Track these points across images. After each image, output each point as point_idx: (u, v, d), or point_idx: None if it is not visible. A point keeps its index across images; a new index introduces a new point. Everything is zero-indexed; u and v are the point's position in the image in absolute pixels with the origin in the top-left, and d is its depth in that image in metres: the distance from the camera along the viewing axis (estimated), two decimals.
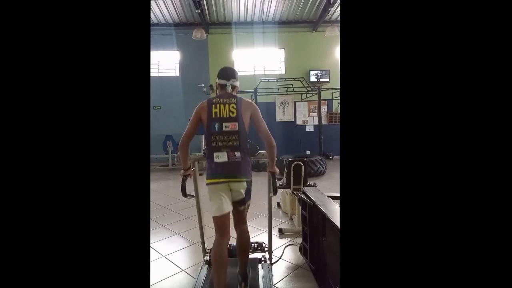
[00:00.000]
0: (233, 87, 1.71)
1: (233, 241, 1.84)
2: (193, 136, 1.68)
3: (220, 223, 1.60)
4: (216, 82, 1.73)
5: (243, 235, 1.72)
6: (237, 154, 1.58)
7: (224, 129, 1.58)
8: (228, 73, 1.72)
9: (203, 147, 1.67)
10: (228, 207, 1.62)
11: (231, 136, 1.58)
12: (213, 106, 1.61)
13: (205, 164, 1.69)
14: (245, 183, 1.62)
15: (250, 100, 1.70)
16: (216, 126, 1.58)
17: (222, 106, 1.61)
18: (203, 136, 1.69)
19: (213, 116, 1.60)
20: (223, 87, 1.69)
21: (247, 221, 1.77)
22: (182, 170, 1.78)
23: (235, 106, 1.61)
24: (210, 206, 1.62)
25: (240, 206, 1.67)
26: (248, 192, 1.67)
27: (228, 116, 1.60)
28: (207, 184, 1.61)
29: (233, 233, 1.72)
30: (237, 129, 1.59)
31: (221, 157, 1.57)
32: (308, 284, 1.93)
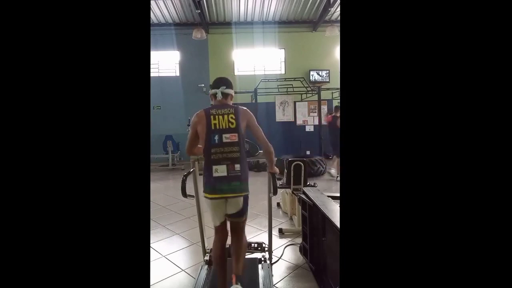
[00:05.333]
0: (225, 94, 1.68)
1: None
2: (197, 144, 1.67)
3: (220, 228, 1.69)
4: (210, 94, 1.73)
5: (239, 240, 1.69)
6: (237, 167, 1.55)
7: (224, 140, 1.55)
8: (218, 82, 1.71)
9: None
10: (223, 219, 1.67)
11: (231, 148, 1.55)
12: (212, 117, 1.58)
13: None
14: (242, 198, 1.59)
15: (245, 108, 1.68)
16: (216, 138, 1.55)
17: (220, 117, 1.58)
18: None
19: (213, 127, 1.56)
20: (214, 96, 1.69)
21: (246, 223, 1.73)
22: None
23: (233, 116, 1.59)
24: (209, 215, 1.68)
25: (236, 218, 1.64)
26: (245, 206, 1.63)
27: (228, 127, 1.57)
28: (205, 197, 1.59)
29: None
30: (237, 140, 1.57)
31: (220, 171, 1.53)
32: (308, 284, 1.93)
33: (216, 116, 1.58)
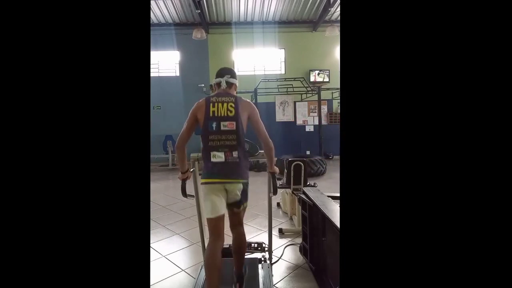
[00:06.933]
0: (229, 84, 1.68)
1: (229, 240, 1.79)
2: (190, 137, 1.64)
3: (215, 224, 1.56)
4: (214, 83, 1.72)
5: (240, 237, 1.71)
6: (235, 154, 1.56)
7: (222, 128, 1.55)
8: (222, 71, 1.70)
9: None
10: (223, 209, 1.59)
11: (229, 136, 1.55)
12: (211, 104, 1.58)
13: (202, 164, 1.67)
14: (241, 185, 1.59)
15: (249, 101, 1.67)
16: (214, 125, 1.55)
17: (220, 104, 1.58)
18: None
19: (211, 114, 1.56)
20: (218, 85, 1.68)
21: (244, 222, 1.75)
22: (180, 173, 1.73)
23: (233, 105, 1.58)
24: (204, 206, 1.63)
25: (236, 208, 1.64)
26: (244, 193, 1.63)
27: (226, 115, 1.56)
28: (202, 183, 1.59)
29: (229, 233, 1.72)
30: (234, 128, 1.56)
31: (218, 156, 1.55)
32: (308, 284, 1.93)
33: (216, 104, 1.58)
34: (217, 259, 1.51)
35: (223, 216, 1.59)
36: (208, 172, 1.57)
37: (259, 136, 1.67)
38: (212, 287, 1.44)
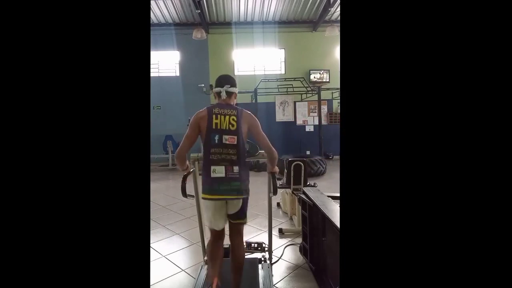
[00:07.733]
0: (229, 93, 1.64)
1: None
2: (191, 147, 1.61)
3: (216, 234, 1.66)
4: (214, 92, 1.69)
5: (238, 252, 1.67)
6: (235, 169, 1.53)
7: (224, 141, 1.53)
8: (222, 80, 1.67)
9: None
10: (224, 223, 1.63)
11: (230, 150, 1.53)
12: (214, 116, 1.54)
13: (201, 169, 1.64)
14: (241, 201, 1.58)
15: (249, 112, 1.65)
16: (216, 138, 1.53)
17: (222, 117, 1.55)
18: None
19: (213, 127, 1.54)
20: (218, 95, 1.65)
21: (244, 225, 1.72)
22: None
23: (235, 118, 1.56)
24: (205, 216, 1.66)
25: (235, 219, 1.63)
26: (244, 207, 1.62)
27: (228, 128, 1.54)
28: (203, 198, 1.57)
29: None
30: (235, 143, 1.54)
31: (218, 171, 1.51)
32: (308, 284, 1.93)
33: (219, 116, 1.55)
34: (219, 250, 1.67)
35: (223, 229, 1.66)
36: (208, 187, 1.54)
37: (262, 148, 1.66)
38: (214, 273, 1.61)
